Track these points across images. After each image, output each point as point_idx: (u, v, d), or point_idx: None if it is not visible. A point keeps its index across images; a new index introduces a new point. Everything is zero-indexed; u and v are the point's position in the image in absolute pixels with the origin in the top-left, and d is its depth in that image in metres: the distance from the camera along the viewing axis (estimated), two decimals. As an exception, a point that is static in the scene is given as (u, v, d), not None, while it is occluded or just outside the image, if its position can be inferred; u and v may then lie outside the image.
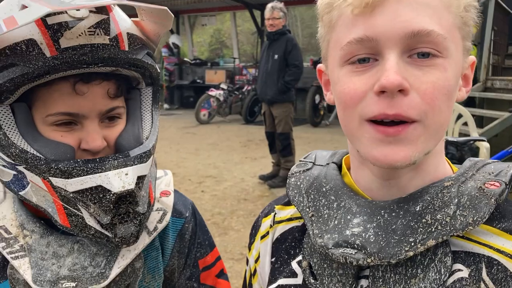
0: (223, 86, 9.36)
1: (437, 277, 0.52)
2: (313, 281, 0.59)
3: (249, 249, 0.75)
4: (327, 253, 0.56)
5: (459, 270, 0.52)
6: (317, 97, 8.50)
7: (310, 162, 0.70)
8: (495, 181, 0.54)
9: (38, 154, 0.65)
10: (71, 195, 0.65)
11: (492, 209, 0.52)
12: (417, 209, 0.54)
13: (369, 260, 0.53)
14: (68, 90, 0.66)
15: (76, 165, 0.64)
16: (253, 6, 10.27)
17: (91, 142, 0.68)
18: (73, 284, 0.68)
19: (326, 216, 0.59)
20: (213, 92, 9.11)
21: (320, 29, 0.61)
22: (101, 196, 0.64)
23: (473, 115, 5.06)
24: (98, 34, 0.64)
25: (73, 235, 0.73)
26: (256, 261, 0.72)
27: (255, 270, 0.73)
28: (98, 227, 0.68)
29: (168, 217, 0.80)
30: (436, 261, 0.52)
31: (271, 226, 0.71)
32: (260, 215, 0.76)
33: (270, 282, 0.66)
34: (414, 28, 0.49)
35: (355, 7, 0.51)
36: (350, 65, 0.54)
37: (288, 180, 0.68)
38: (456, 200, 0.53)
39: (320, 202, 0.61)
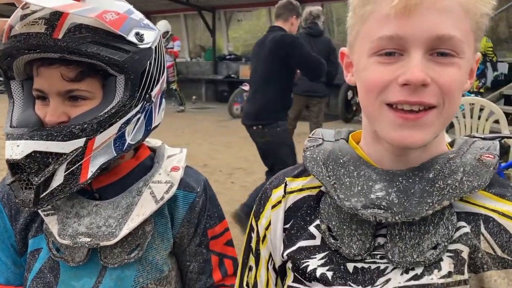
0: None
1: (446, 233, 0.62)
2: (333, 241, 0.68)
3: (257, 217, 0.82)
4: (355, 214, 0.65)
5: (463, 226, 0.63)
6: (350, 93, 8.46)
7: (319, 138, 0.78)
8: (489, 154, 0.66)
9: (13, 120, 0.82)
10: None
11: (491, 175, 0.63)
12: (430, 176, 0.64)
13: (396, 218, 0.62)
14: (35, 71, 0.81)
15: (8, 131, 0.79)
16: (289, 1, 10.31)
17: (48, 117, 0.80)
18: (88, 239, 0.82)
19: (348, 183, 0.68)
20: (246, 87, 9.23)
21: (351, 19, 0.68)
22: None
23: (509, 113, 4.95)
24: (38, 24, 0.74)
25: (94, 199, 0.88)
26: (267, 228, 0.79)
27: (264, 236, 0.80)
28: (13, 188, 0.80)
29: (174, 189, 0.90)
30: (444, 220, 0.63)
31: (283, 196, 0.78)
32: (268, 186, 0.83)
33: (288, 246, 0.73)
34: (439, 33, 0.58)
35: (394, 10, 0.58)
36: (378, 56, 0.62)
37: (304, 154, 0.75)
38: (462, 168, 0.64)
39: (340, 172, 0.70)
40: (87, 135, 0.78)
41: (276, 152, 3.42)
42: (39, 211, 0.85)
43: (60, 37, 0.74)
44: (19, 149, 0.75)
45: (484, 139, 2.81)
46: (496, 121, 3.94)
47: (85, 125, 0.78)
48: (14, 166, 0.77)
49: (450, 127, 4.54)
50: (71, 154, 0.78)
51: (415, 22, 0.58)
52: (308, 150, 0.76)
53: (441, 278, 0.60)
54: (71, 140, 0.77)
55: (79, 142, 0.78)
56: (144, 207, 0.87)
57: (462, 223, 0.63)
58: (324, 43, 4.61)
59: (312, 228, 0.72)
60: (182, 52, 13.14)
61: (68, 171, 0.79)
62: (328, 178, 0.70)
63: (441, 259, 0.61)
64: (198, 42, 13.73)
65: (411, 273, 0.61)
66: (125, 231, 0.84)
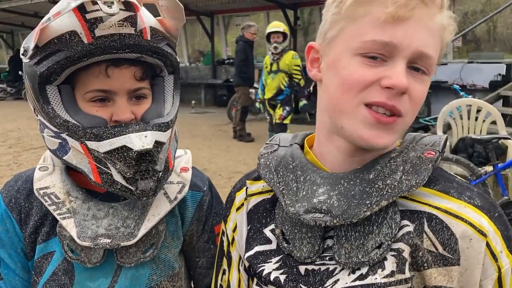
0: (255, 85, 9.50)
1: (389, 232, 0.63)
2: (286, 245, 0.70)
3: (225, 221, 0.86)
4: (299, 219, 0.66)
5: (407, 225, 0.63)
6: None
7: (275, 144, 0.80)
8: (431, 150, 0.66)
9: (77, 123, 0.81)
10: (102, 155, 0.79)
11: (430, 172, 0.63)
12: (370, 177, 0.65)
13: (335, 221, 0.63)
14: (102, 72, 0.81)
15: (106, 129, 0.79)
16: (286, 6, 10.36)
17: (121, 115, 0.83)
18: (109, 241, 0.84)
19: (295, 188, 0.69)
20: (245, 91, 9.24)
21: (335, 16, 0.67)
22: (125, 154, 0.78)
23: (506, 115, 4.97)
24: (125, 26, 0.77)
25: (108, 201, 0.89)
26: (234, 230, 0.83)
27: (233, 239, 0.83)
28: (123, 182, 0.81)
29: (186, 189, 0.95)
30: (387, 219, 0.63)
31: (245, 199, 0.81)
32: (232, 190, 0.87)
33: (247, 249, 0.76)
34: (423, 50, 0.62)
35: (385, 16, 0.60)
36: (362, 57, 0.63)
37: (258, 161, 0.78)
38: (402, 167, 0.65)
39: (289, 177, 0.71)
40: (172, 127, 0.86)
41: None
42: (55, 214, 0.86)
43: (149, 38, 0.81)
44: (148, 139, 0.79)
45: (480, 140, 2.83)
46: (494, 122, 3.96)
47: (173, 118, 0.87)
48: (140, 156, 0.79)
49: (448, 129, 4.56)
50: (166, 143, 0.85)
51: (406, 33, 0.61)
52: (262, 157, 0.78)
53: (384, 277, 0.61)
54: (166, 131, 0.84)
55: (169, 133, 0.85)
56: (159, 208, 0.90)
57: (406, 222, 0.64)
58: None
59: (267, 232, 0.74)
60: (181, 57, 13.18)
61: (163, 158, 0.85)
62: (278, 184, 0.72)
63: (386, 258, 0.62)
64: (197, 47, 13.77)
65: (357, 273, 0.63)
66: (143, 231, 0.86)
